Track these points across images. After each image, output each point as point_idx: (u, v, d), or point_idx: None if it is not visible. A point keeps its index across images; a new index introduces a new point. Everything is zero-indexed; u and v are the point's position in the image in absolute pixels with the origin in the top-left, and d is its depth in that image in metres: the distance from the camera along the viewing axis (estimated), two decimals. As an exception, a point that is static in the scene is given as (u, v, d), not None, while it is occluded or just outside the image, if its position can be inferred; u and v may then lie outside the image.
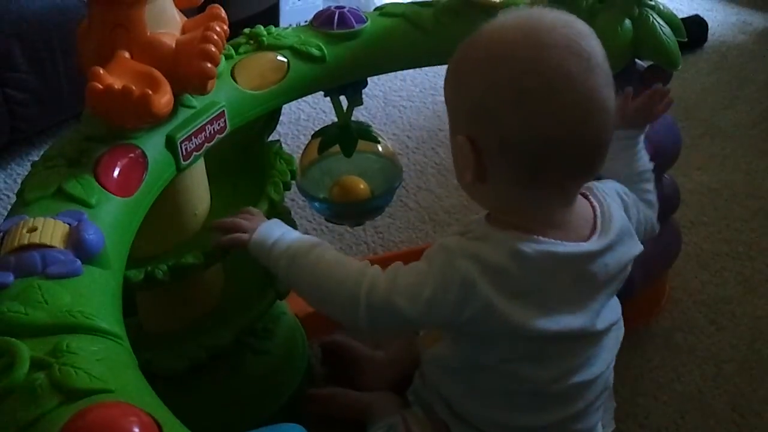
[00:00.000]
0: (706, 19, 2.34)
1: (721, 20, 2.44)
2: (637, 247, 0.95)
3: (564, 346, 0.90)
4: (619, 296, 1.30)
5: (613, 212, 0.93)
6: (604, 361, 0.94)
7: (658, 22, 1.14)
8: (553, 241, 0.86)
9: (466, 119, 0.87)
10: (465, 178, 0.87)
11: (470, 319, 0.85)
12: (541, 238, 0.86)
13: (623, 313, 1.34)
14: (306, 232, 1.59)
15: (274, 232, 0.95)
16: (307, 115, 1.98)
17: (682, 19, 1.20)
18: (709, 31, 2.33)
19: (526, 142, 0.83)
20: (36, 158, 1.78)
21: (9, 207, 1.65)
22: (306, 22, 1.17)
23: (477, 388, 0.94)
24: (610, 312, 0.94)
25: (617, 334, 0.97)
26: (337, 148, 1.23)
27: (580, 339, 0.91)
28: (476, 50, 0.86)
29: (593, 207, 0.93)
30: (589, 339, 0.92)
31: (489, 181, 0.86)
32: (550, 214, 0.88)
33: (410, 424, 1.02)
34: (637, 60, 1.22)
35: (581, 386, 0.92)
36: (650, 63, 1.21)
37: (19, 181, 1.75)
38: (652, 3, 1.16)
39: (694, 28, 2.24)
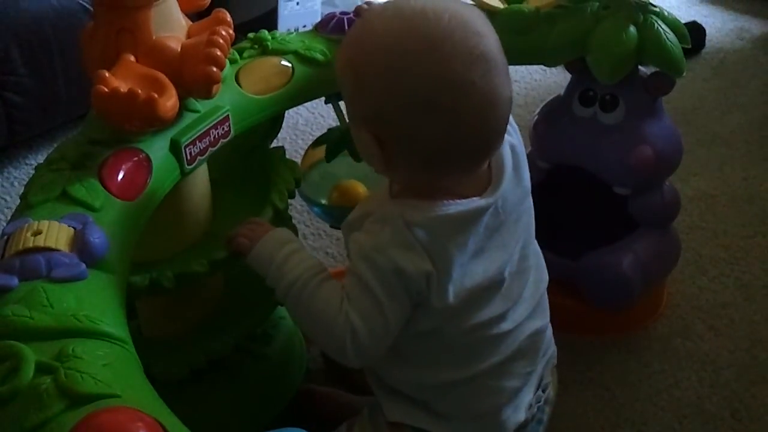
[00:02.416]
0: (703, 25, 2.35)
1: (718, 26, 2.45)
2: (525, 182, 0.96)
3: (475, 299, 0.91)
4: (618, 305, 1.31)
5: (504, 155, 0.93)
6: (519, 316, 0.95)
7: (663, 29, 1.14)
8: (445, 202, 0.87)
9: (367, 120, 0.86)
10: (373, 166, 0.89)
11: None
12: (431, 203, 0.87)
13: (620, 320, 1.36)
14: (304, 237, 1.59)
15: (274, 254, 0.93)
16: (305, 120, 1.98)
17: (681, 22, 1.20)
18: (706, 38, 2.33)
19: (431, 146, 0.85)
20: (34, 162, 1.81)
21: (6, 211, 1.67)
22: (304, 26, 1.17)
23: (401, 353, 0.94)
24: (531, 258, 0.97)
25: (535, 288, 0.99)
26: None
27: (489, 290, 0.92)
28: (376, 57, 0.84)
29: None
30: (496, 288, 0.93)
31: (395, 167, 0.88)
32: (453, 185, 0.89)
33: (353, 428, 1.02)
34: (640, 67, 1.22)
35: (494, 338, 0.94)
36: (654, 70, 1.21)
37: (17, 184, 1.77)
38: (657, 9, 1.16)
39: (692, 35, 2.23)
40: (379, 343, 0.89)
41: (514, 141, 0.95)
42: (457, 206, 0.87)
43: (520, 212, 0.95)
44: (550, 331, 1.03)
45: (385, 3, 0.88)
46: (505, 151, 0.93)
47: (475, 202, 0.89)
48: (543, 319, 1.00)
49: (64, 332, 0.68)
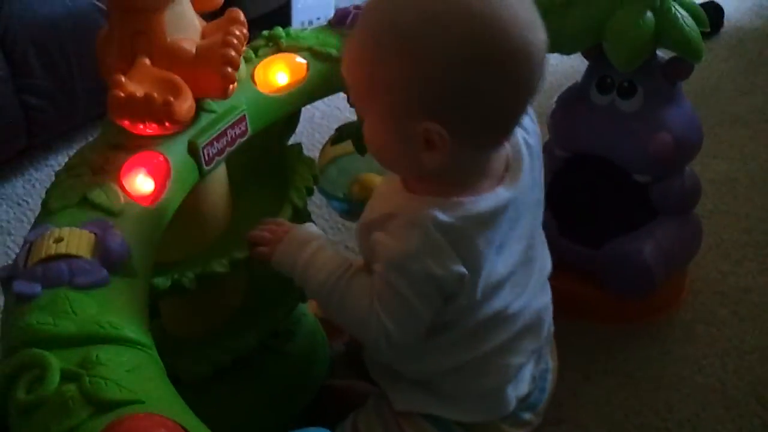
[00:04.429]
0: (721, 4, 2.32)
1: (736, 5, 2.41)
2: (537, 172, 0.95)
3: (494, 291, 0.92)
4: (639, 293, 1.31)
5: (520, 144, 0.92)
6: (525, 300, 0.96)
7: (681, 14, 1.13)
8: (473, 198, 0.86)
9: (434, 103, 0.80)
10: (425, 165, 0.84)
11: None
12: (459, 199, 0.86)
13: (643, 308, 1.35)
14: (323, 231, 1.58)
15: (296, 259, 0.93)
16: (321, 113, 1.98)
17: (698, 5, 1.19)
18: (724, 16, 2.30)
19: (510, 108, 0.84)
20: (54, 163, 1.82)
21: (28, 213, 1.68)
22: (318, 18, 1.16)
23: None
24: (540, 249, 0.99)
25: (539, 275, 1.00)
26: (352, 147, 1.22)
27: (504, 281, 0.93)
28: (437, 25, 0.78)
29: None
30: (509, 278, 0.93)
31: (450, 155, 0.83)
32: (481, 170, 0.89)
33: (357, 419, 1.04)
34: (657, 52, 1.21)
35: (503, 320, 0.95)
36: (672, 55, 1.20)
37: (38, 185, 1.78)
38: (674, -6, 1.15)
39: (710, 14, 2.20)
40: (412, 338, 0.90)
41: (530, 140, 0.94)
42: (487, 201, 0.87)
43: (532, 203, 0.95)
44: (551, 307, 1.04)
45: None
46: (520, 141, 0.92)
47: (502, 195, 0.88)
48: (546, 296, 1.02)
49: (87, 339, 0.68)
